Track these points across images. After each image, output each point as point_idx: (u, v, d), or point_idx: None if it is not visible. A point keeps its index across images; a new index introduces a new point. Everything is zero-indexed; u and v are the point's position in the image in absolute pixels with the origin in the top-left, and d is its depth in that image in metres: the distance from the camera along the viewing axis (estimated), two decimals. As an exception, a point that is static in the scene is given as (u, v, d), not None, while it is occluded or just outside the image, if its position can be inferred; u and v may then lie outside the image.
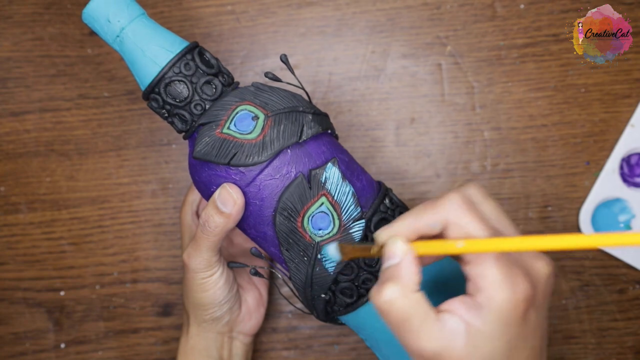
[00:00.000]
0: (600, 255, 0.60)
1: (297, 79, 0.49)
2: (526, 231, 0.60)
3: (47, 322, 0.62)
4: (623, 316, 0.59)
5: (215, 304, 0.50)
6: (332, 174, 0.45)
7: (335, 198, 0.45)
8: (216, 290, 0.49)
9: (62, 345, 0.61)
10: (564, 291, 0.60)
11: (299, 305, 0.59)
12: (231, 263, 0.50)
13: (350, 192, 0.45)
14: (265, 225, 0.45)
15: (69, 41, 0.61)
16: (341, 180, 0.45)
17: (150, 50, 0.45)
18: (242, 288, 0.54)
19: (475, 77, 0.60)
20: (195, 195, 0.56)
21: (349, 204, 0.45)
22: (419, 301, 0.36)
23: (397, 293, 0.36)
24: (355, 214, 0.45)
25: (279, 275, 0.50)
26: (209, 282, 0.49)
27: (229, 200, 0.44)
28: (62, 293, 0.62)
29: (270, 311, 0.60)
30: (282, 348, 0.61)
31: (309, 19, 0.61)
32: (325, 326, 0.61)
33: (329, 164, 0.45)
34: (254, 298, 0.54)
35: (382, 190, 0.47)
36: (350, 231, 0.45)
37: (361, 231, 0.45)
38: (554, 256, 0.59)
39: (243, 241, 0.57)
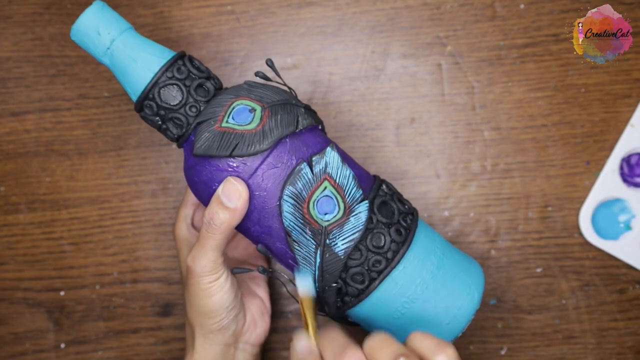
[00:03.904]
0: (600, 255, 0.60)
1: (283, 81, 0.50)
2: (526, 231, 0.60)
3: (47, 322, 0.62)
4: (623, 316, 0.59)
5: (222, 309, 0.49)
6: (332, 158, 0.46)
7: (337, 181, 0.46)
8: (222, 294, 0.48)
9: (62, 345, 0.61)
10: (564, 291, 0.60)
11: None
12: (235, 269, 0.50)
13: (351, 174, 0.46)
14: (270, 218, 0.46)
15: (69, 41, 0.61)
16: (341, 163, 0.46)
17: (142, 59, 0.46)
18: (244, 297, 0.53)
19: (475, 77, 0.60)
20: (188, 210, 0.55)
21: (351, 186, 0.46)
22: None
23: None
24: (358, 195, 0.46)
25: (283, 276, 0.50)
26: (215, 286, 0.48)
27: (234, 193, 0.44)
28: (62, 293, 0.62)
29: (271, 311, 0.60)
30: (282, 348, 0.61)
31: (309, 19, 0.61)
32: (325, 326, 0.61)
33: (328, 149, 0.46)
34: (257, 306, 0.54)
35: (378, 179, 0.49)
36: (355, 213, 0.45)
37: (366, 212, 0.45)
38: (554, 256, 0.59)
39: (242, 249, 0.57)
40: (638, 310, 0.59)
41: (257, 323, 0.53)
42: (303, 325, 0.45)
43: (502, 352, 0.60)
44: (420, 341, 0.42)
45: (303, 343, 0.44)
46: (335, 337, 0.43)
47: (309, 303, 0.45)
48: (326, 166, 0.46)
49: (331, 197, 0.45)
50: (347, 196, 0.45)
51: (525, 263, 0.60)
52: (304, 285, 0.46)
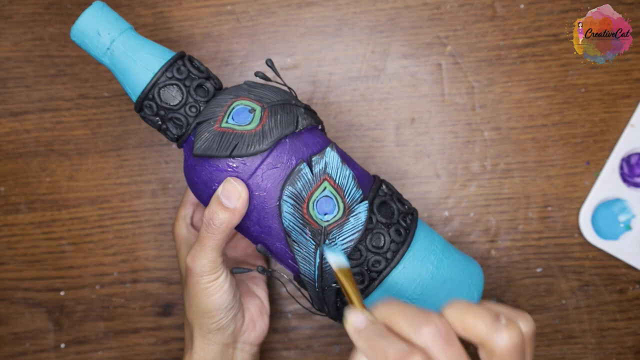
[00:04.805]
0: (600, 255, 0.60)
1: (283, 82, 0.50)
2: (526, 231, 0.60)
3: (47, 322, 0.62)
4: (623, 316, 0.59)
5: (221, 309, 0.49)
6: (331, 158, 0.46)
7: (336, 181, 0.46)
8: (222, 294, 0.48)
9: (62, 345, 0.61)
10: (564, 291, 0.60)
11: (307, 304, 0.58)
12: (235, 269, 0.50)
13: (350, 175, 0.46)
14: (270, 218, 0.46)
15: (69, 41, 0.61)
16: (340, 164, 0.46)
17: (142, 59, 0.46)
18: (243, 297, 0.53)
19: (475, 77, 0.60)
20: (187, 209, 0.56)
21: (350, 187, 0.46)
22: None
23: None
24: (358, 196, 0.46)
25: (282, 276, 0.50)
26: (214, 285, 0.48)
27: (233, 193, 0.44)
28: (62, 293, 0.62)
29: (270, 311, 0.60)
30: (282, 348, 0.61)
31: (309, 19, 0.61)
32: (325, 326, 0.61)
33: (328, 149, 0.46)
34: (256, 306, 0.54)
35: (378, 179, 0.49)
36: (355, 213, 0.45)
37: (366, 212, 0.45)
38: (554, 256, 0.59)
39: (242, 249, 0.57)
40: (638, 310, 0.59)
41: (256, 323, 0.53)
42: (348, 301, 0.41)
43: (502, 352, 0.60)
44: (497, 307, 0.38)
45: (359, 317, 0.38)
46: (405, 305, 0.37)
47: (346, 275, 0.42)
48: (326, 166, 0.46)
49: (331, 197, 0.45)
50: (346, 196, 0.45)
51: (525, 263, 0.60)
52: (335, 258, 0.44)
